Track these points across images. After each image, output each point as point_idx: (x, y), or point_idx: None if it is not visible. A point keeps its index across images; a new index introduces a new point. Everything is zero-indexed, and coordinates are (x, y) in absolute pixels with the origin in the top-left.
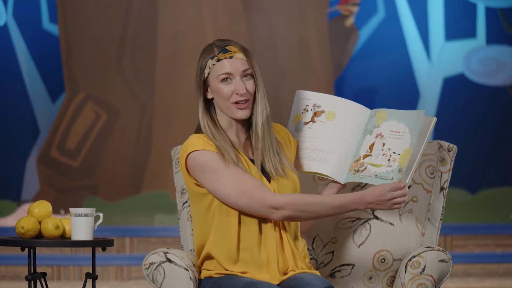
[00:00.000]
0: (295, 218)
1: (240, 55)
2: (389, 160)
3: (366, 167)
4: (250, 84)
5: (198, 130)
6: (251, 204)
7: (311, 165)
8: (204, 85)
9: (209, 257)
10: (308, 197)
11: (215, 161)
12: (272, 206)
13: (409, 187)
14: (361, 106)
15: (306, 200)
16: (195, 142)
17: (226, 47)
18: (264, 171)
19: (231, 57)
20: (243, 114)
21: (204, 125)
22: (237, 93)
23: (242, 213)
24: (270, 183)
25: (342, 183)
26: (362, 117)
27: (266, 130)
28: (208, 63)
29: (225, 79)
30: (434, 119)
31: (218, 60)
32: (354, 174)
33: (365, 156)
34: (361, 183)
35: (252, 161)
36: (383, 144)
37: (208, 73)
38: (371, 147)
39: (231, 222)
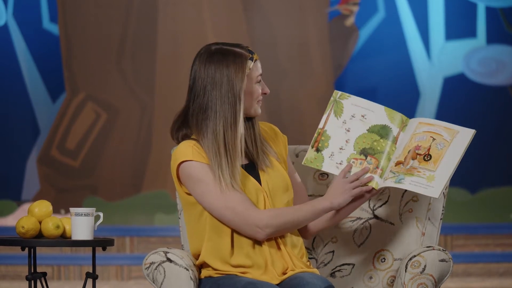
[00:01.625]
0: (279, 232)
1: None
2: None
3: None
4: None
5: (185, 137)
6: (235, 220)
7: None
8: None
9: (205, 265)
10: (285, 209)
11: (204, 173)
12: (256, 225)
13: None
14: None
15: (283, 211)
16: (185, 151)
17: (249, 48)
18: (254, 168)
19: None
20: (260, 110)
21: (238, 141)
22: (265, 93)
23: None
24: (260, 178)
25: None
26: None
27: None
28: (248, 65)
29: (259, 80)
30: (473, 132)
31: (255, 61)
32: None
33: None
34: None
35: (242, 166)
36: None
37: (246, 75)
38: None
39: (224, 229)
